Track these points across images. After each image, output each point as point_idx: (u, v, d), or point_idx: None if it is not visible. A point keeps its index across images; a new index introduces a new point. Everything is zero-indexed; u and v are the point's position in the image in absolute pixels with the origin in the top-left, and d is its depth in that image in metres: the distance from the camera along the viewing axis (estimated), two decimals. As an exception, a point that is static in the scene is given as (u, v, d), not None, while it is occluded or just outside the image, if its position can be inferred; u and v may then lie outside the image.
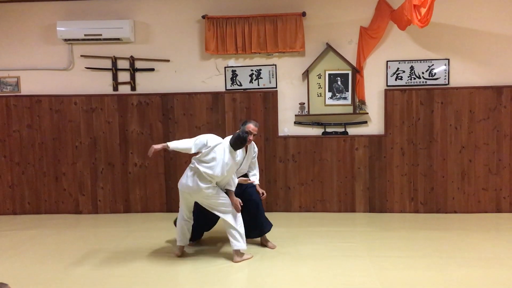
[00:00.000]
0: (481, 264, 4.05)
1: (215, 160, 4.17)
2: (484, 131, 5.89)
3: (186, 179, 4.26)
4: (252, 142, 4.63)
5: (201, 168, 4.17)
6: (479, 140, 5.89)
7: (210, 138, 4.32)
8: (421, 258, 4.23)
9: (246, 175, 4.77)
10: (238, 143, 4.22)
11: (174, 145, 4.31)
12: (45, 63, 6.35)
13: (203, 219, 4.67)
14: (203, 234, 4.93)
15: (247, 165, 4.73)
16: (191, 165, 4.31)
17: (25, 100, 6.32)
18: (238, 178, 4.50)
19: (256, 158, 4.80)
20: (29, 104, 6.32)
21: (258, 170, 4.85)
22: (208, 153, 4.21)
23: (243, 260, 4.27)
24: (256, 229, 4.65)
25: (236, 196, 4.37)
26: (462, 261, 4.13)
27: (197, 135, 4.38)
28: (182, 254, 4.46)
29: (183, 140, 4.43)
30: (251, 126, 4.54)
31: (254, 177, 4.76)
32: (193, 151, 4.33)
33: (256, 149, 4.79)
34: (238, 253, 4.28)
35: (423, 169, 5.99)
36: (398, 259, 4.23)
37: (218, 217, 4.52)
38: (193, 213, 4.51)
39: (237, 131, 4.38)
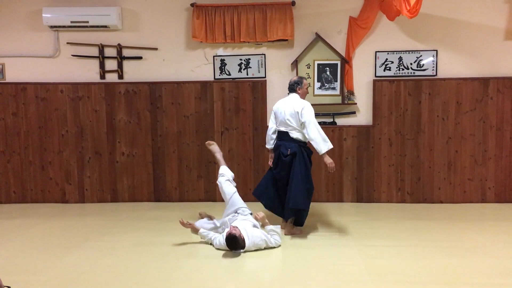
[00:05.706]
0: (466, 253, 4.11)
1: None
2: (470, 122, 5.94)
3: None
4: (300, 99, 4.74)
5: None
6: (466, 131, 5.95)
7: None
8: (407, 247, 4.28)
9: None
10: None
11: None
12: (30, 50, 6.24)
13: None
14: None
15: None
16: None
17: (10, 88, 6.22)
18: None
19: (304, 120, 4.58)
20: (14, 91, 6.22)
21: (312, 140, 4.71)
22: None
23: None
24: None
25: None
26: (447, 250, 4.18)
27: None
28: None
29: None
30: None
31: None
32: None
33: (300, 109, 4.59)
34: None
35: (410, 160, 6.04)
36: (384, 248, 4.27)
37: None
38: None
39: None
